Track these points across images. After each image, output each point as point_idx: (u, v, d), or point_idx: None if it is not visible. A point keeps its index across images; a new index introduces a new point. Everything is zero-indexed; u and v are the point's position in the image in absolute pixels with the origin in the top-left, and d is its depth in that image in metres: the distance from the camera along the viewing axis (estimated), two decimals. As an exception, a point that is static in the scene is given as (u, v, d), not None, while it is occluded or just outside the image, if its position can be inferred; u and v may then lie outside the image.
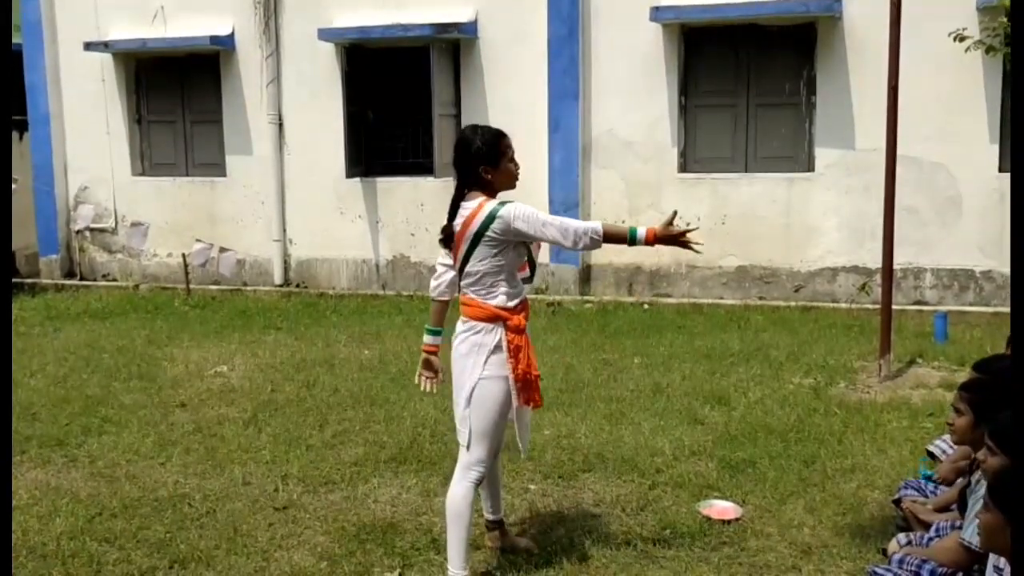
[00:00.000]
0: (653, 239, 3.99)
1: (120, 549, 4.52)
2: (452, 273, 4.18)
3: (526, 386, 4.01)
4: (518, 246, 4.04)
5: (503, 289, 3.99)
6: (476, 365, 3.97)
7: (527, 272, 4.23)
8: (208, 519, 4.88)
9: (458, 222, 4.00)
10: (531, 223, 3.92)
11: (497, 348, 3.96)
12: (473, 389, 3.97)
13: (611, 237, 3.98)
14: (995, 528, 2.69)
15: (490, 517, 4.48)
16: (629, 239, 4.00)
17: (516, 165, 4.12)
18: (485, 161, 4.00)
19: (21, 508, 5.02)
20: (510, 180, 4.09)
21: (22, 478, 5.51)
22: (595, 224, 3.95)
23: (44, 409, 6.87)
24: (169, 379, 7.74)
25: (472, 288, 4.03)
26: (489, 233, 3.92)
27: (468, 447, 4.01)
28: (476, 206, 3.98)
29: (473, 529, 4.52)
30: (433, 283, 4.27)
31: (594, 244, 3.96)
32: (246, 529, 4.73)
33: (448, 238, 4.06)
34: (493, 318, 3.97)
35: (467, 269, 4.02)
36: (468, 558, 4.01)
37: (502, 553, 4.41)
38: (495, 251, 3.95)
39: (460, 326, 4.08)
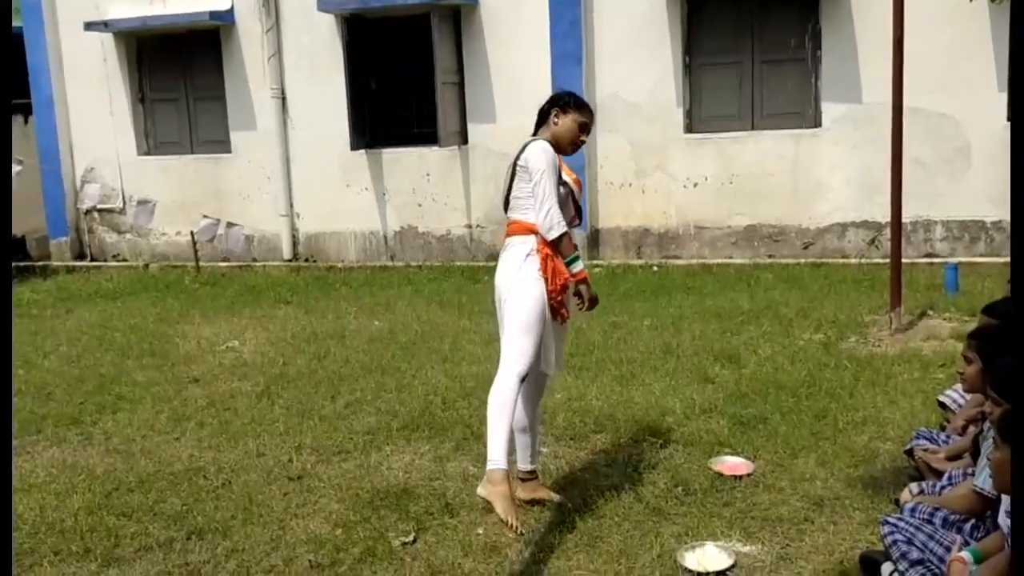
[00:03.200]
0: (580, 278, 4.31)
1: (137, 523, 4.56)
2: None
3: (560, 296, 4.21)
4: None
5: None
6: (512, 270, 4.22)
7: (576, 220, 4.49)
8: (223, 491, 4.91)
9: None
10: (533, 173, 4.20)
11: (532, 254, 4.20)
12: (513, 290, 4.18)
13: (562, 245, 4.23)
14: (1007, 466, 2.70)
15: (524, 467, 4.53)
16: (570, 259, 4.27)
17: (581, 134, 4.39)
18: (560, 107, 4.36)
19: (38, 486, 5.07)
20: (569, 135, 4.36)
21: (39, 456, 5.57)
22: (562, 227, 4.21)
23: (59, 389, 6.92)
24: (181, 355, 7.78)
25: (512, 213, 4.33)
26: (520, 163, 4.25)
27: (510, 344, 4.15)
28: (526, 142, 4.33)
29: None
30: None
31: (548, 233, 4.18)
32: (261, 499, 4.76)
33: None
34: (527, 231, 4.23)
35: (510, 196, 4.32)
36: (508, 451, 4.07)
37: (530, 506, 4.46)
38: (526, 180, 4.23)
39: (504, 245, 4.35)
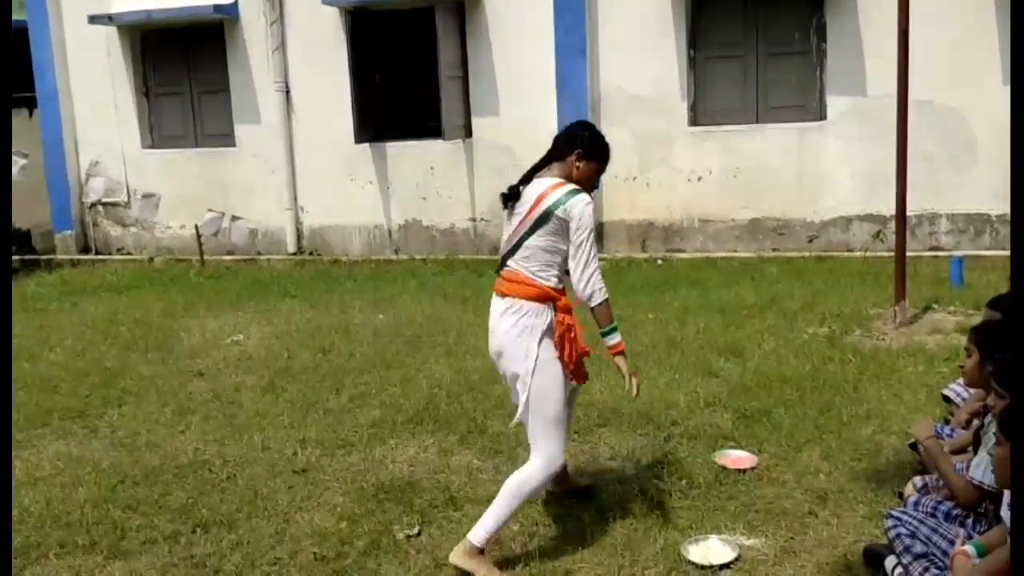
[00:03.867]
0: (617, 351, 3.95)
1: (143, 515, 4.58)
2: None
3: (578, 366, 3.98)
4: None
5: (555, 271, 3.92)
6: (530, 351, 3.85)
7: None
8: (229, 484, 4.93)
9: (531, 191, 3.92)
10: (578, 230, 3.82)
11: (548, 330, 3.87)
12: (531, 378, 3.84)
13: (601, 313, 3.90)
14: (1008, 461, 2.70)
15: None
16: (607, 330, 3.93)
17: (597, 180, 4.11)
18: (584, 153, 3.98)
19: (44, 479, 5.09)
20: (588, 183, 4.02)
21: (44, 450, 5.59)
22: (604, 294, 3.88)
23: (64, 382, 6.94)
24: (186, 349, 7.80)
25: (524, 262, 3.91)
26: (558, 213, 3.83)
27: (541, 442, 3.87)
28: (555, 183, 3.91)
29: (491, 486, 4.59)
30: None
31: (589, 299, 3.86)
32: (266, 492, 4.78)
33: (514, 196, 3.95)
34: (543, 298, 3.87)
35: (526, 243, 3.90)
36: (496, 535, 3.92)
37: (558, 499, 4.46)
38: (559, 234, 3.86)
39: (503, 304, 3.94)
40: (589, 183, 4.04)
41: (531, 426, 3.91)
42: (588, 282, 3.83)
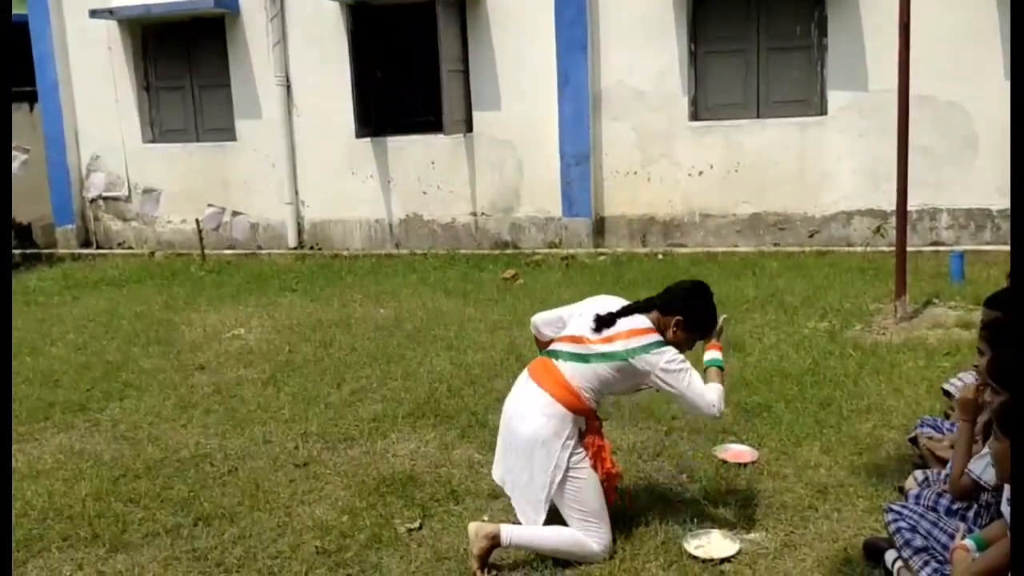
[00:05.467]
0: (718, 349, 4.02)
1: (145, 509, 4.59)
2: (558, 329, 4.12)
3: (609, 485, 3.97)
4: (640, 385, 3.98)
5: (597, 398, 3.93)
6: (561, 460, 3.81)
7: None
8: (230, 477, 4.94)
9: (617, 329, 3.87)
10: (673, 383, 3.81)
11: (580, 441, 3.88)
12: (564, 486, 3.82)
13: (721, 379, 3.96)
14: (1007, 456, 2.71)
15: None
16: (721, 371, 3.98)
17: (691, 346, 4.06)
18: (687, 321, 3.96)
19: (46, 472, 5.10)
20: (679, 346, 3.96)
21: (46, 443, 5.60)
22: (720, 395, 3.87)
23: (66, 376, 6.95)
24: (187, 343, 7.81)
25: (577, 372, 3.87)
26: (632, 360, 3.82)
27: (587, 533, 3.83)
28: (642, 328, 3.87)
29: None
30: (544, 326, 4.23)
31: (720, 414, 3.91)
32: (268, 486, 4.79)
33: (608, 324, 3.88)
34: (583, 411, 3.89)
35: (586, 362, 3.87)
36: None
37: None
38: (621, 374, 3.87)
39: (538, 394, 3.89)
40: (681, 347, 3.97)
41: (575, 525, 3.85)
42: (710, 407, 3.83)
